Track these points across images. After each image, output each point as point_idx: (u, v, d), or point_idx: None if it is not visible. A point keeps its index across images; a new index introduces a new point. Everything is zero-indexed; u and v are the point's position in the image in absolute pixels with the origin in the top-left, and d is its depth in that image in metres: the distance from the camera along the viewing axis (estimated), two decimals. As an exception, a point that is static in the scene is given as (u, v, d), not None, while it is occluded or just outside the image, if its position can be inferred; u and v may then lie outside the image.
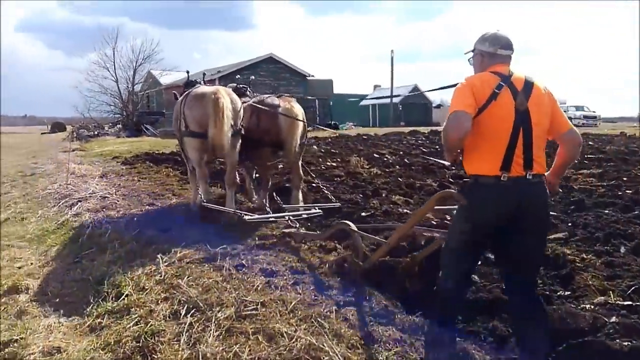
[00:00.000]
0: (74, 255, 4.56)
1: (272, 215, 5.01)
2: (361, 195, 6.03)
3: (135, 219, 5.59)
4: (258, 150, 5.60)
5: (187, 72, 7.16)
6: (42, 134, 37.07)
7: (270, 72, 26.68)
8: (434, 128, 25.11)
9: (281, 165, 6.63)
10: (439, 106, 44.27)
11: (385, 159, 9.18)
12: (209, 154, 5.37)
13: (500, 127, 2.33)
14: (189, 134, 5.19)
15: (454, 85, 2.53)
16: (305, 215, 5.06)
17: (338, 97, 24.67)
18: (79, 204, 6.55)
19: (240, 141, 5.33)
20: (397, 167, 8.22)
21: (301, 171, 5.86)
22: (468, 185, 2.55)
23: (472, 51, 2.63)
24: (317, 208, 5.23)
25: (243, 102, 5.68)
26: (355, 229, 3.67)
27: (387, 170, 7.95)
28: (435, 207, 3.05)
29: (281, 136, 5.34)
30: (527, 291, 2.51)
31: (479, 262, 3.28)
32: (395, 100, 38.05)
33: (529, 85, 2.40)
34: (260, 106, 5.55)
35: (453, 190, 2.92)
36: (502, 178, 2.30)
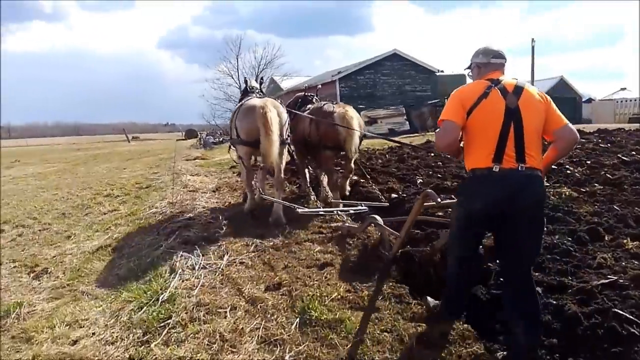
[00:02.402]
0: (148, 325, 3.15)
1: (322, 209, 5.42)
2: (570, 241, 3.82)
3: (238, 262, 4.15)
4: (322, 152, 6.01)
5: (245, 80, 7.12)
6: (177, 140, 39.83)
7: (394, 70, 24.53)
8: (587, 126, 20.93)
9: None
10: (589, 100, 38.09)
11: (568, 171, 6.65)
12: (261, 160, 5.83)
13: (490, 123, 2.54)
14: (240, 142, 5.62)
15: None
16: (352, 211, 5.35)
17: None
18: (178, 232, 5.33)
19: (286, 149, 5.79)
20: (597, 185, 5.72)
21: (352, 170, 6.34)
22: (466, 178, 2.74)
23: (470, 67, 2.93)
24: (363, 205, 5.40)
25: (307, 109, 6.38)
26: (381, 223, 4.02)
27: (583, 190, 5.48)
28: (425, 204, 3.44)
29: (339, 139, 5.67)
30: (518, 283, 2.59)
31: None
32: (535, 95, 33.34)
33: (519, 88, 2.62)
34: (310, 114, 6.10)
35: (430, 190, 3.37)
36: (493, 169, 2.49)
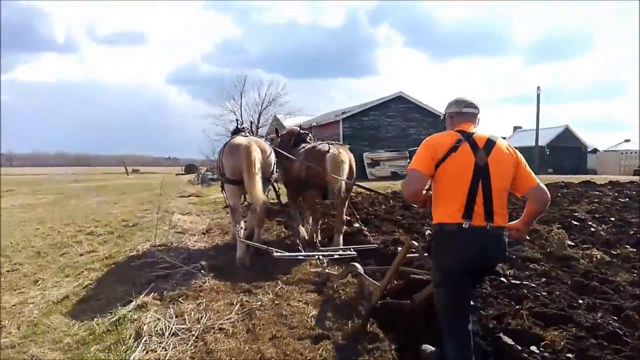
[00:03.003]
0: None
1: (302, 253, 5.15)
2: (616, 321, 3.18)
3: (217, 328, 3.50)
4: (307, 192, 5.91)
5: (237, 120, 7.17)
6: (176, 174, 39.46)
7: (399, 112, 24.29)
8: (594, 177, 20.47)
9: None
10: (594, 151, 37.85)
11: (592, 229, 6.03)
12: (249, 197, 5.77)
13: (459, 177, 2.49)
14: (226, 181, 5.60)
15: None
16: (337, 256, 5.16)
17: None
18: (155, 283, 4.71)
19: (269, 187, 6.00)
20: (628, 246, 5.09)
21: (344, 216, 6.08)
22: (434, 233, 2.63)
23: (443, 118, 2.90)
24: (352, 250, 5.30)
25: (302, 148, 6.30)
26: (362, 272, 3.85)
27: (614, 252, 4.85)
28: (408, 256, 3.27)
29: (326, 179, 5.46)
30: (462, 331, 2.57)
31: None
32: (540, 142, 33.15)
33: (490, 143, 2.57)
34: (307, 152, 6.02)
35: (414, 242, 3.14)
36: (463, 225, 2.44)
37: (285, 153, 6.37)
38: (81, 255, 6.64)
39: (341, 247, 5.64)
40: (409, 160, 23.08)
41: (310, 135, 6.99)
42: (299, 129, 7.21)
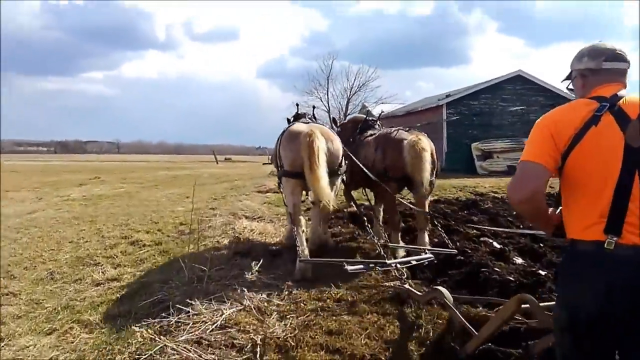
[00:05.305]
0: None
1: (376, 262, 4.25)
2: None
3: None
4: (384, 187, 5.12)
5: (297, 104, 6.36)
6: (263, 164, 38.54)
7: (516, 95, 20.21)
8: None
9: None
10: None
11: None
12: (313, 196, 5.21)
13: (599, 170, 1.60)
14: (284, 174, 4.96)
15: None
16: (414, 262, 4.45)
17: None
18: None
19: (338, 181, 5.24)
20: None
21: (427, 209, 5.33)
22: (565, 254, 1.80)
23: (569, 77, 1.93)
24: (427, 252, 4.68)
25: (370, 135, 5.79)
26: (450, 302, 3.06)
27: None
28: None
29: (407, 171, 4.94)
30: None
31: None
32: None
33: None
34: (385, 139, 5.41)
35: (528, 295, 2.42)
36: (606, 245, 1.54)
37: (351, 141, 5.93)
38: (97, 285, 4.63)
39: (421, 247, 4.91)
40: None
41: (378, 123, 6.42)
42: (364, 116, 6.74)
